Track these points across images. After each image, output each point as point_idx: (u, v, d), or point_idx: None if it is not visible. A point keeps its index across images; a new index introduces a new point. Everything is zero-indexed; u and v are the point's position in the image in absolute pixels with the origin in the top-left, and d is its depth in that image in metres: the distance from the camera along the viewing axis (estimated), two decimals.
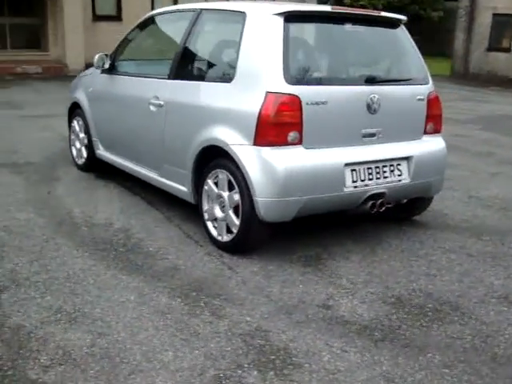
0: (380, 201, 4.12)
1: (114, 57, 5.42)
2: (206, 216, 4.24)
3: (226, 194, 4.03)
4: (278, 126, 3.74)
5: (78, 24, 15.52)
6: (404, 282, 3.75)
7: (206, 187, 4.19)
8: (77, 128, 6.05)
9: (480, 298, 3.56)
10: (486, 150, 8.12)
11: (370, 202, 4.08)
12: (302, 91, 3.77)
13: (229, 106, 3.96)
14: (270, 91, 3.73)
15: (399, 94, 4.27)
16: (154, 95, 4.64)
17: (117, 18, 16.86)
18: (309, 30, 4.24)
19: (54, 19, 16.12)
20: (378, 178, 4.11)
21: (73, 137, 6.18)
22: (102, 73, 5.52)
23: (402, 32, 4.48)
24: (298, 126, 3.78)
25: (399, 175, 4.22)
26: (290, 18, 3.89)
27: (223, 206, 4.06)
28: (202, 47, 4.55)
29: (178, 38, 4.62)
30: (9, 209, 4.85)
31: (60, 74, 14.99)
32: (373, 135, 4.12)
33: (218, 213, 4.11)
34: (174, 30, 4.96)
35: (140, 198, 5.27)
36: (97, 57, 5.33)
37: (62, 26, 15.71)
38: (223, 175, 4.01)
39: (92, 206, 4.99)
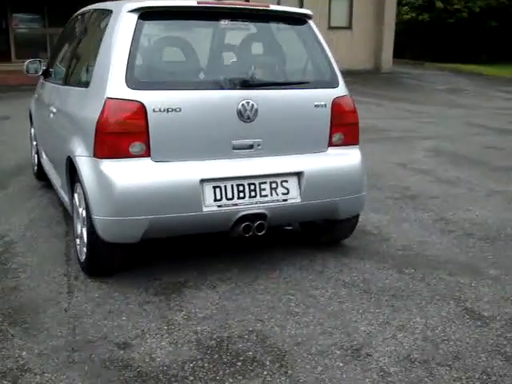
0: (258, 223, 3.55)
1: (49, 62, 5.23)
2: (75, 232, 3.90)
3: (80, 210, 3.67)
4: (116, 135, 3.32)
5: None
6: (250, 320, 3.18)
7: (74, 201, 3.85)
8: (32, 135, 5.95)
9: (324, 348, 2.92)
10: (508, 164, 7.08)
11: (244, 224, 3.52)
12: (148, 97, 3.32)
13: (82, 114, 3.61)
14: (109, 97, 3.32)
15: (285, 100, 3.67)
16: (51, 102, 4.40)
17: None
18: (172, 28, 3.75)
19: None
20: (252, 197, 3.54)
21: (31, 144, 6.09)
22: (42, 79, 5.37)
23: (308, 29, 3.86)
24: (141, 136, 3.33)
25: (284, 193, 3.62)
26: (148, 14, 3.45)
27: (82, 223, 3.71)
28: (82, 50, 4.22)
29: (75, 42, 4.34)
30: None
31: None
32: (250, 147, 3.57)
33: (79, 230, 3.76)
34: (77, 32, 4.68)
35: (62, 210, 5.01)
36: (26, 62, 5.16)
37: None
38: (80, 189, 3.65)
39: (5, 217, 4.81)
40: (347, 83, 3.93)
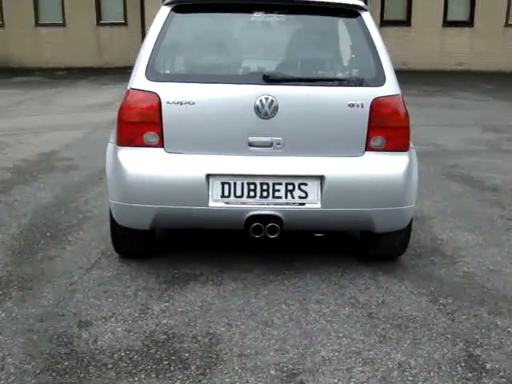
0: (270, 225, 3.40)
1: None
2: None
3: None
4: (132, 124, 3.44)
5: None
6: (219, 323, 3.06)
7: None
8: None
9: (262, 365, 2.69)
10: None
11: (254, 225, 3.40)
12: (163, 89, 3.38)
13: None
14: (131, 87, 3.46)
15: (312, 97, 3.39)
16: None
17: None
18: (202, 21, 3.68)
19: None
20: (263, 197, 3.39)
21: None
22: None
23: (358, 23, 3.53)
24: (155, 126, 3.40)
25: (302, 197, 3.40)
26: (181, 7, 3.51)
27: None
28: None
29: None
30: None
31: None
32: (269, 145, 3.41)
33: None
34: None
35: None
36: None
37: None
38: None
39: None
40: None
